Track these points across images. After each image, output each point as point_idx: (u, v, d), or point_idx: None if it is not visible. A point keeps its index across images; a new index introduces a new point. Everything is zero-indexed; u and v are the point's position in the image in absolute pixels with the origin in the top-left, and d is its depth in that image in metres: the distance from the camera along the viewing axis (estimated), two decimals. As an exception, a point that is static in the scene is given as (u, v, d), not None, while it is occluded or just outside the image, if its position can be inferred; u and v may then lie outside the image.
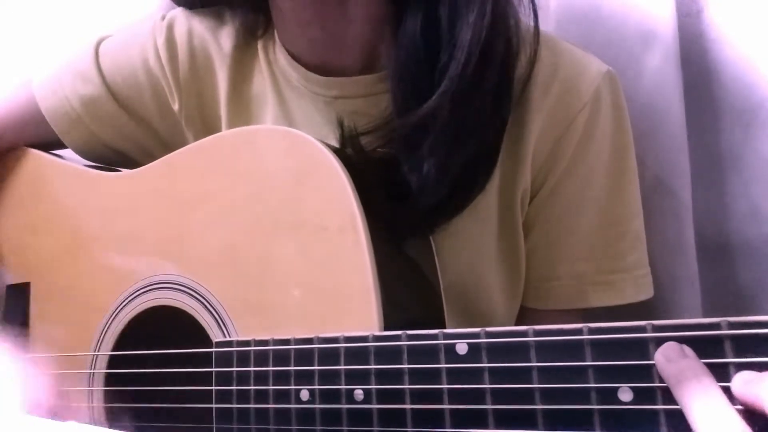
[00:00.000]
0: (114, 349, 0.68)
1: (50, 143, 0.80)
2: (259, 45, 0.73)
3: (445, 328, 0.60)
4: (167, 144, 0.76)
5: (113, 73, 0.75)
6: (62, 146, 0.80)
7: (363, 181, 0.56)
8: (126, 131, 0.77)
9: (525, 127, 0.65)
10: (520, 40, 0.63)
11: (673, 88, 0.78)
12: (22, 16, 1.06)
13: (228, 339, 0.59)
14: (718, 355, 0.39)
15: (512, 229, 0.68)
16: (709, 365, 0.39)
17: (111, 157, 0.79)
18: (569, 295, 0.69)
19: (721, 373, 0.39)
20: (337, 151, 0.57)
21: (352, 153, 0.63)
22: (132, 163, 0.75)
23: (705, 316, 0.78)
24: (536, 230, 0.69)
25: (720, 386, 0.38)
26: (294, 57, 0.70)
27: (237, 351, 0.57)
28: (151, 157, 0.72)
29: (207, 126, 0.74)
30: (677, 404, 0.39)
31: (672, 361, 0.39)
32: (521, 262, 0.69)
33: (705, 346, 0.39)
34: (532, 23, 0.63)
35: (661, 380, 0.40)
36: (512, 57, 0.62)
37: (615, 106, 0.67)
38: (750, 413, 0.37)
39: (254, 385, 0.55)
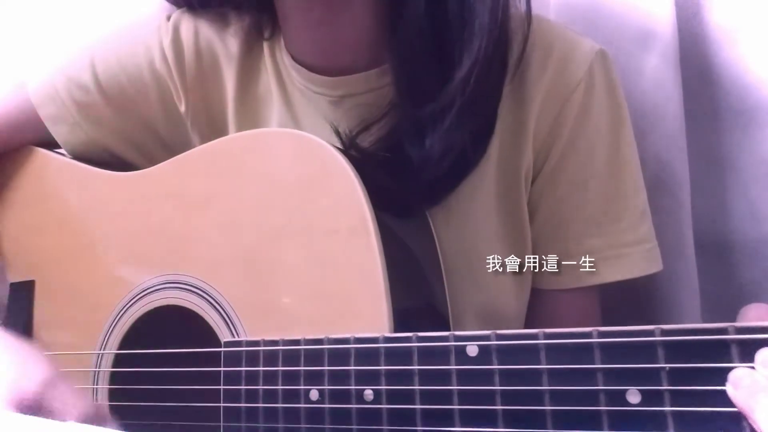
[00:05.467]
0: (120, 348, 0.69)
1: (47, 144, 0.80)
2: (265, 46, 0.74)
3: (447, 314, 0.61)
4: (169, 146, 0.76)
5: (113, 77, 0.75)
6: (59, 146, 0.80)
7: (369, 174, 0.57)
8: (126, 135, 0.77)
9: (524, 106, 0.67)
10: (516, 22, 0.65)
11: (672, 88, 0.79)
12: (20, 15, 1.06)
13: (237, 339, 0.59)
14: (725, 360, 0.40)
15: (515, 208, 0.69)
16: (715, 370, 0.40)
17: (109, 161, 0.78)
18: (581, 273, 0.69)
19: (727, 376, 0.39)
20: (346, 153, 0.58)
21: (356, 153, 0.64)
22: (130, 167, 0.75)
23: (704, 315, 0.79)
24: (543, 209, 0.69)
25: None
26: (298, 60, 0.70)
27: (246, 351, 0.57)
28: (152, 161, 0.72)
29: (213, 127, 0.74)
30: (684, 406, 0.40)
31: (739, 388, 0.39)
32: (527, 242, 0.69)
33: (712, 350, 0.40)
34: (523, 5, 0.65)
35: (669, 383, 0.41)
36: (511, 39, 0.65)
37: (609, 83, 0.68)
38: None
39: (263, 385, 0.56)
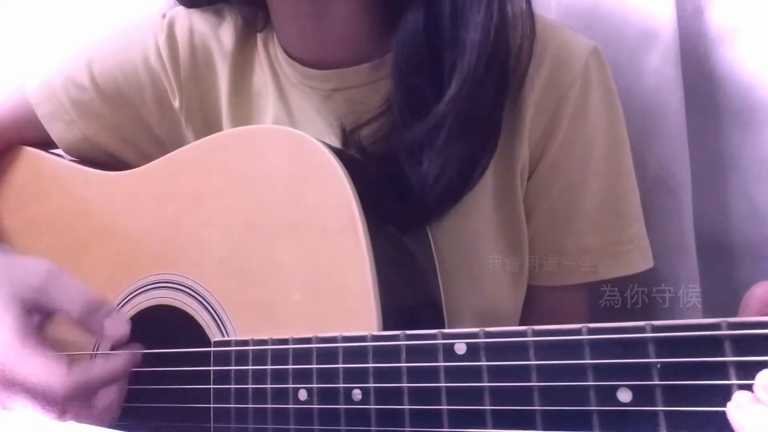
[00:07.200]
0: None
1: (45, 144, 0.80)
2: (259, 40, 0.74)
3: (443, 313, 0.61)
4: (164, 144, 0.76)
5: (109, 75, 0.75)
6: (56, 146, 0.80)
7: (364, 178, 0.56)
8: (121, 132, 0.77)
9: (520, 104, 0.66)
10: (518, 32, 0.64)
11: (674, 88, 0.79)
12: (19, 16, 1.06)
13: (226, 338, 0.59)
14: (718, 355, 0.39)
15: (511, 206, 0.68)
16: (708, 365, 0.39)
17: (104, 159, 0.79)
18: (579, 270, 0.69)
19: (720, 374, 0.39)
20: (337, 151, 0.57)
21: (353, 152, 0.64)
22: (126, 165, 0.75)
23: (705, 315, 0.78)
24: (541, 207, 0.69)
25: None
26: (290, 54, 0.71)
27: (235, 350, 0.57)
28: (147, 158, 0.72)
29: (208, 122, 0.74)
30: (675, 404, 0.40)
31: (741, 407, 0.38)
32: (524, 240, 0.69)
33: (704, 347, 0.39)
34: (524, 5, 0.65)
35: (661, 380, 0.40)
36: (511, 50, 0.63)
37: (604, 80, 0.68)
38: None
39: (252, 384, 0.55)
